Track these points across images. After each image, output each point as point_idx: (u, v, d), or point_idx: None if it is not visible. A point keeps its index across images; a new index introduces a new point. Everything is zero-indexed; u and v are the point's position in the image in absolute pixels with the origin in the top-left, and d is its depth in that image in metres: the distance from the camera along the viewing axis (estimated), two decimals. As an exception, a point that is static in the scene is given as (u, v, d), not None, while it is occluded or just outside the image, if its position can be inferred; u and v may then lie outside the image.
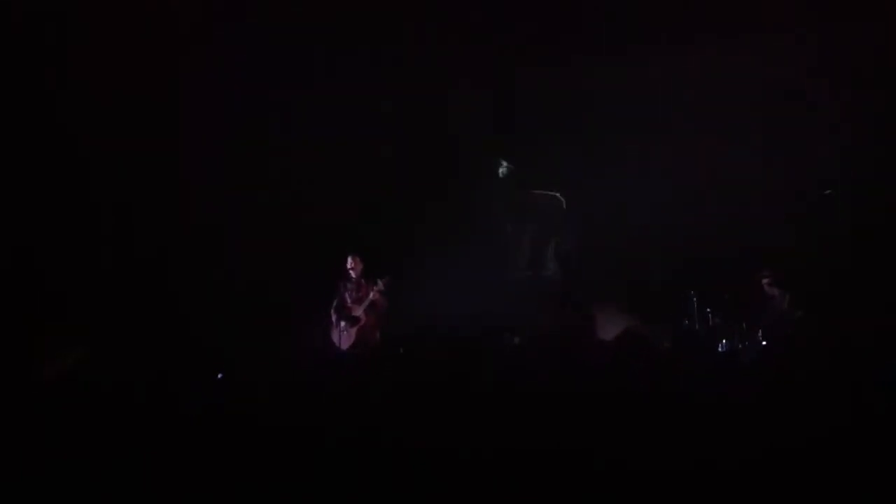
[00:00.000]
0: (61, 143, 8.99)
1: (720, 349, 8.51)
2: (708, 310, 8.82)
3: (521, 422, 3.06)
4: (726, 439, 2.90)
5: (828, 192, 9.34)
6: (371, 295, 8.86)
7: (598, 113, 10.07)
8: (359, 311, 8.90)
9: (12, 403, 3.53)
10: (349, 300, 8.98)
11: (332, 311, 9.07)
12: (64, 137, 9.01)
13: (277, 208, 10.28)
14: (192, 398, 3.68)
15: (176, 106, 9.60)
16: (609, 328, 8.35)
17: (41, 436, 3.19)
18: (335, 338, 8.95)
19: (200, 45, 9.49)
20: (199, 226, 9.72)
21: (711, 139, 9.57)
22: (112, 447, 3.10)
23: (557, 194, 10.95)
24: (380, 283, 8.87)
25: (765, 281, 8.91)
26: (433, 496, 2.81)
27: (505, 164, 11.06)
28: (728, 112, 9.61)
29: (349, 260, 9.07)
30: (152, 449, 3.08)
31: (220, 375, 5.36)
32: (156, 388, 3.74)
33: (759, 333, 8.69)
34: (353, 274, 9.03)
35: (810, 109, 9.39)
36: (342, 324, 8.90)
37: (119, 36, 9.10)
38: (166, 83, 9.49)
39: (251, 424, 3.20)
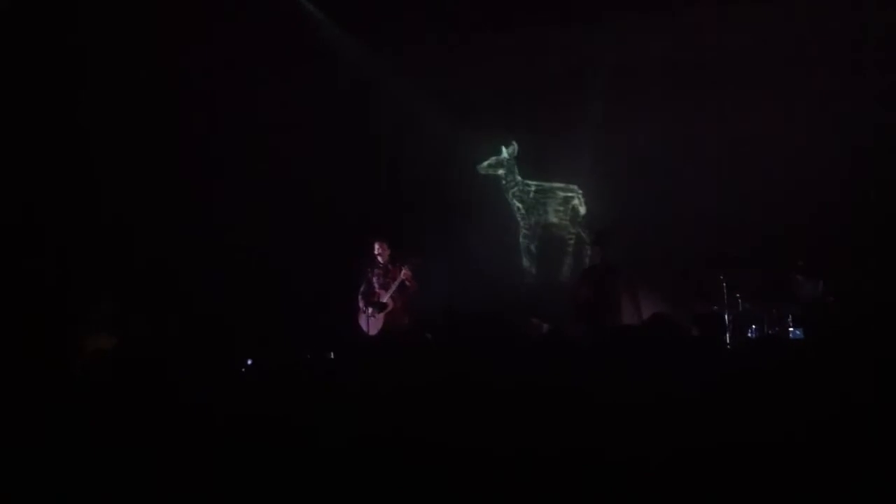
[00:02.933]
0: (70, 136, 9.06)
1: (749, 335, 8.44)
2: (737, 295, 8.74)
3: (546, 413, 3.04)
4: (755, 427, 2.87)
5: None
6: (398, 280, 8.88)
7: (618, 89, 10.03)
8: (386, 297, 8.93)
9: (24, 399, 3.56)
10: (376, 286, 9.01)
11: (360, 297, 9.11)
12: (74, 131, 9.09)
13: (294, 195, 10.45)
14: (211, 391, 3.68)
15: (191, 96, 9.67)
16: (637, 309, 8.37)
17: (55, 431, 3.22)
18: (363, 324, 9.00)
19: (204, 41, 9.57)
20: (214, 217, 9.81)
21: (744, 120, 9.44)
22: (133, 440, 3.12)
23: (575, 186, 10.87)
24: (406, 268, 8.89)
25: (798, 266, 8.80)
26: (457, 493, 2.80)
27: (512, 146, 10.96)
28: (763, 90, 9.48)
29: (376, 245, 9.10)
30: (172, 442, 3.10)
31: (248, 361, 5.41)
32: (176, 381, 3.76)
33: (789, 320, 8.60)
34: (380, 259, 9.06)
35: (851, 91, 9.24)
36: (370, 310, 8.94)
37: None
38: (175, 78, 9.55)
39: (266, 420, 3.19)
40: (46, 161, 8.88)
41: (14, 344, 6.85)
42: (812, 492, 2.66)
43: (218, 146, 9.95)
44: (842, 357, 3.61)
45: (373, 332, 8.83)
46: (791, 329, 8.46)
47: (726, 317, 8.44)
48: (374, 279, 9.07)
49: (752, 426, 2.90)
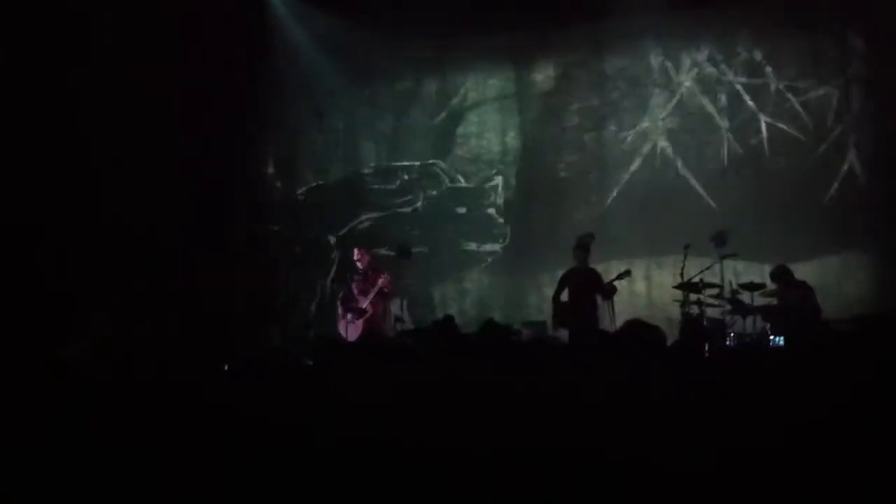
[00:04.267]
0: (62, 130, 9.01)
1: (728, 343, 8.42)
2: (716, 301, 8.72)
3: (521, 418, 3.02)
4: (734, 436, 2.86)
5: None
6: (377, 286, 8.85)
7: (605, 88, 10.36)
8: (365, 303, 8.89)
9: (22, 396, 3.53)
10: (356, 291, 9.00)
11: (339, 303, 9.11)
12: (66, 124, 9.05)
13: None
14: (208, 391, 3.67)
15: (189, 96, 9.65)
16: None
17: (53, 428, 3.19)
18: (342, 330, 8.96)
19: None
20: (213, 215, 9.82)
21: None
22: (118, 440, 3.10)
23: None
24: (385, 275, 8.87)
25: (777, 273, 8.81)
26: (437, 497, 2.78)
27: None
28: None
29: (355, 252, 9.17)
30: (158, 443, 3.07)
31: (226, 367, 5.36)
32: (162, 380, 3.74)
33: (768, 328, 8.60)
34: (359, 265, 9.08)
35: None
36: (349, 315, 8.90)
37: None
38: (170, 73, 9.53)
39: (262, 421, 3.17)
40: (41, 159, 8.84)
41: (13, 344, 6.80)
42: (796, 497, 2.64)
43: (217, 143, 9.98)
44: (826, 365, 3.59)
45: (352, 337, 8.79)
46: (771, 337, 8.45)
47: (704, 323, 8.42)
48: (354, 285, 9.07)
49: (730, 433, 2.88)
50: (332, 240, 10.92)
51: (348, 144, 11.24)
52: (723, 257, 8.58)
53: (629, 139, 10.33)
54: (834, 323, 7.47)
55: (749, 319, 8.68)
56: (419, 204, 10.95)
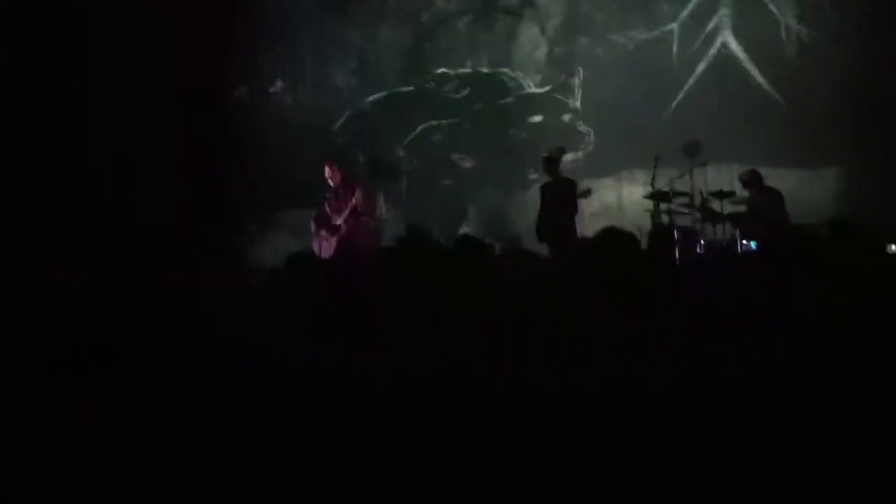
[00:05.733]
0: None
1: (698, 249, 8.48)
2: (684, 208, 8.76)
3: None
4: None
5: None
6: (350, 204, 8.81)
7: None
8: (339, 220, 8.86)
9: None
10: (329, 209, 8.95)
11: (312, 221, 9.07)
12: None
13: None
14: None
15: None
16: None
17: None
18: (316, 247, 8.94)
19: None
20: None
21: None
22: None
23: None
24: (358, 192, 8.82)
25: (747, 178, 8.85)
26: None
27: None
28: None
29: (327, 169, 9.03)
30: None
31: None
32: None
33: (738, 233, 8.65)
34: (331, 183, 8.98)
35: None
36: (322, 232, 8.88)
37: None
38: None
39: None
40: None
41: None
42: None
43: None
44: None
45: (325, 255, 8.78)
46: (742, 242, 8.51)
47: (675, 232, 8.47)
48: (326, 203, 9.01)
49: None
50: (399, 151, 10.85)
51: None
52: (695, 166, 8.61)
53: (694, 41, 10.38)
54: (804, 228, 7.59)
55: (719, 227, 8.75)
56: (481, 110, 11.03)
